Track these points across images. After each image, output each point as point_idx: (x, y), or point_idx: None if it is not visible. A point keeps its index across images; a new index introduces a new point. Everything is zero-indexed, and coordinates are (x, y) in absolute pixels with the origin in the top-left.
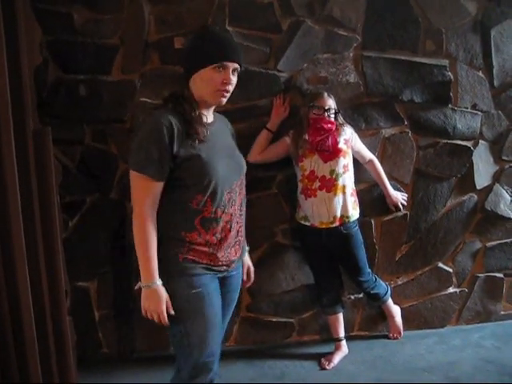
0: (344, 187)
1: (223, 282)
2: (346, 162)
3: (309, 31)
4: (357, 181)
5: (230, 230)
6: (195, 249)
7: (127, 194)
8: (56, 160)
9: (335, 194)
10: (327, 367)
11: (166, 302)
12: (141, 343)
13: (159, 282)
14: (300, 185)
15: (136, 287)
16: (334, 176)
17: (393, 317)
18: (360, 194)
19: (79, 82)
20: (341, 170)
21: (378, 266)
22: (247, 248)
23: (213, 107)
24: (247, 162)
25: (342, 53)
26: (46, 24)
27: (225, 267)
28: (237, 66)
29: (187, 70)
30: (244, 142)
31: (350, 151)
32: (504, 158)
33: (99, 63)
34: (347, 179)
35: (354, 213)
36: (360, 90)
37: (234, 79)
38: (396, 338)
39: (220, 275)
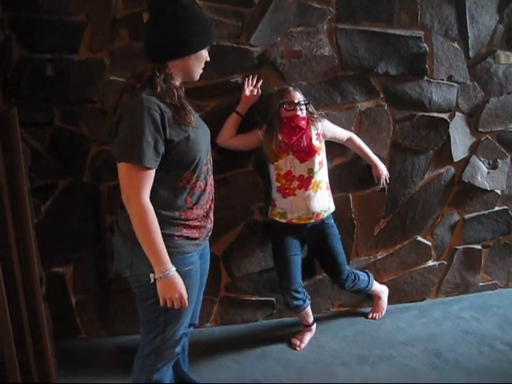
0: (320, 182)
1: (200, 255)
2: (320, 159)
3: (281, 4)
4: (333, 156)
5: (212, 200)
6: (189, 225)
7: (100, 176)
8: (24, 143)
9: (314, 191)
10: (298, 348)
11: (183, 286)
12: (118, 326)
13: (174, 269)
14: (276, 184)
15: (151, 280)
16: (311, 174)
17: (379, 298)
18: (337, 170)
19: (46, 62)
20: (317, 168)
21: (357, 242)
22: None
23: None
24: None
25: (316, 26)
26: (7, 0)
27: (206, 238)
28: None
29: (178, 51)
30: (217, 119)
31: (323, 145)
32: (480, 129)
33: (66, 41)
34: (322, 174)
35: (331, 206)
36: (335, 64)
37: None
38: (375, 319)
39: (201, 249)
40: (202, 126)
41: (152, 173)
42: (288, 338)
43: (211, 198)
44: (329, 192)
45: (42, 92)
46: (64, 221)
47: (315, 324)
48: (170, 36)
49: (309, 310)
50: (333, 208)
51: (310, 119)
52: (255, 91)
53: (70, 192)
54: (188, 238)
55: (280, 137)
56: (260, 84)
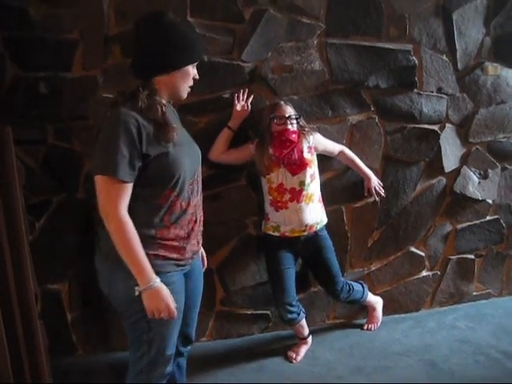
0: (312, 195)
1: (188, 275)
2: (312, 172)
3: (272, 20)
4: (325, 169)
5: (195, 222)
6: (165, 244)
7: (94, 192)
8: (18, 160)
9: (306, 204)
10: (294, 361)
11: (169, 296)
12: (115, 343)
13: (158, 280)
14: (268, 197)
15: (136, 293)
16: (302, 186)
17: (373, 309)
18: (329, 182)
19: (39, 80)
20: (308, 180)
21: (351, 254)
22: None
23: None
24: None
25: (306, 40)
26: (0, 18)
27: (190, 260)
28: None
29: (163, 67)
30: (209, 135)
31: (314, 158)
32: (471, 140)
33: (59, 59)
34: (314, 187)
35: (323, 218)
36: (325, 78)
37: None
38: (370, 330)
39: (185, 270)
40: (191, 145)
41: (128, 186)
42: (284, 351)
43: (195, 219)
44: (321, 204)
45: (35, 110)
46: (59, 237)
47: (311, 336)
48: (155, 52)
49: (304, 322)
50: (325, 220)
51: (302, 132)
52: (246, 106)
53: (64, 209)
54: (165, 258)
55: (271, 150)
56: (251, 99)
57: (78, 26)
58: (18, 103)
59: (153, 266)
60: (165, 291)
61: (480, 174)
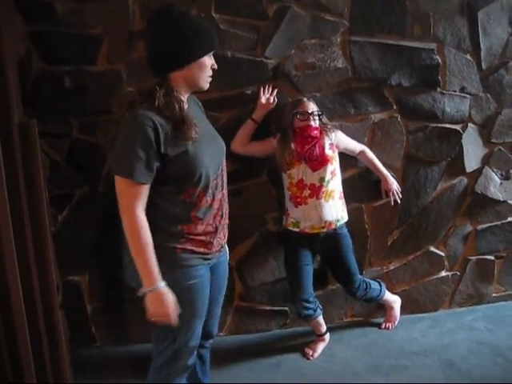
0: (332, 192)
1: (213, 270)
2: (333, 168)
3: (295, 17)
4: (347, 167)
5: (221, 216)
6: (193, 239)
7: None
8: (43, 153)
9: (326, 200)
10: (311, 357)
11: (173, 302)
12: (135, 335)
13: (163, 284)
14: (288, 192)
15: (139, 293)
16: (322, 183)
17: (391, 308)
18: (351, 180)
19: (64, 74)
20: (329, 177)
21: (371, 252)
22: None
23: (189, 93)
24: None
25: (330, 38)
26: (28, 14)
27: (217, 253)
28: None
29: (179, 61)
30: (231, 131)
31: (336, 154)
32: (493, 140)
33: (84, 53)
34: (335, 183)
35: (344, 215)
36: (348, 75)
37: None
38: (388, 329)
39: (212, 263)
40: (215, 139)
41: (145, 187)
42: (301, 348)
43: (221, 213)
44: (342, 202)
45: (60, 103)
46: (80, 230)
47: (328, 333)
48: (167, 47)
49: (321, 319)
50: (346, 218)
51: (324, 129)
52: (271, 99)
53: (86, 202)
54: (193, 252)
55: (293, 146)
56: (276, 93)
57: (102, 21)
58: (44, 97)
59: (180, 259)
60: (168, 297)
61: (502, 174)
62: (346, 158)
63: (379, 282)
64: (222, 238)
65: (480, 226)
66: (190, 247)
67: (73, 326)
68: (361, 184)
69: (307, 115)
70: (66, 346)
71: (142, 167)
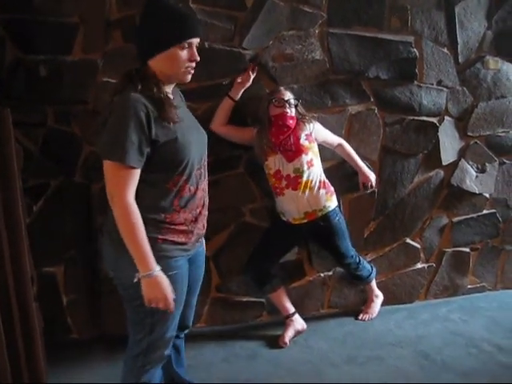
0: (309, 182)
1: (191, 260)
2: (309, 158)
3: (274, 8)
4: (324, 159)
5: (203, 205)
6: (174, 229)
7: (92, 176)
8: (17, 143)
9: (302, 191)
10: (283, 344)
11: (169, 287)
12: (110, 326)
13: (158, 269)
14: (270, 181)
15: (135, 279)
16: (298, 173)
17: (372, 300)
18: (327, 172)
19: (39, 62)
20: (305, 167)
21: None
22: None
23: (174, 84)
24: (209, 132)
25: (308, 29)
26: (2, 1)
27: (196, 244)
28: (199, 40)
29: (149, 50)
30: (208, 121)
31: (313, 145)
32: (469, 133)
33: (59, 43)
34: (313, 174)
35: (329, 203)
36: (326, 67)
37: (197, 55)
38: (363, 320)
39: (190, 255)
40: (198, 130)
41: (136, 172)
42: (277, 339)
43: (202, 203)
44: (325, 191)
45: (35, 93)
46: (56, 221)
47: (304, 323)
48: (144, 35)
49: (284, 294)
50: (333, 205)
51: (301, 120)
52: (248, 77)
53: (61, 192)
54: (173, 243)
55: (268, 136)
56: (254, 73)
57: (78, 10)
58: (18, 86)
59: (161, 250)
60: (164, 281)
61: (478, 167)
62: (323, 150)
63: (371, 265)
64: (201, 228)
65: (456, 219)
66: (170, 238)
67: (48, 318)
68: (337, 176)
69: (283, 102)
70: (40, 337)
71: (135, 151)
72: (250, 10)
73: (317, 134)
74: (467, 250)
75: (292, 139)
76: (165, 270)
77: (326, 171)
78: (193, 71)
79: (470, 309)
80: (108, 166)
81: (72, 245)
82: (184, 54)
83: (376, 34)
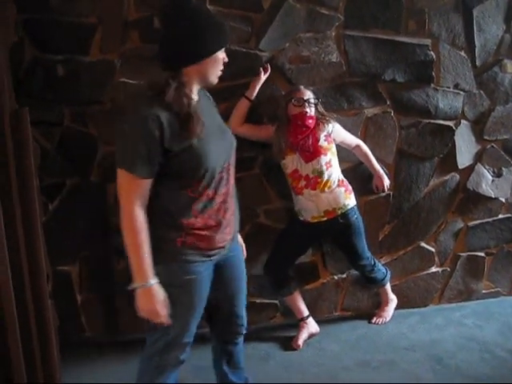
0: (328, 182)
1: (222, 263)
2: (328, 159)
3: (290, 10)
4: (340, 160)
5: (225, 211)
6: (194, 233)
7: (108, 176)
8: (35, 142)
9: (321, 191)
10: (296, 347)
11: (163, 300)
12: (124, 326)
13: (154, 281)
14: (288, 180)
15: (130, 288)
16: (317, 174)
17: (386, 304)
18: (344, 174)
19: (57, 62)
20: (323, 168)
21: None
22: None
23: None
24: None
25: (325, 32)
26: (21, 2)
27: (222, 249)
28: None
29: (195, 55)
30: (225, 122)
31: (332, 146)
32: (486, 137)
33: (77, 43)
34: (331, 174)
35: (348, 202)
36: (342, 70)
37: None
38: (377, 324)
39: (215, 259)
40: (223, 133)
41: (146, 182)
42: (291, 341)
43: (224, 207)
44: (344, 189)
45: (52, 92)
46: (71, 220)
47: (317, 326)
48: (183, 41)
49: (299, 296)
50: (352, 204)
51: (321, 120)
52: (262, 75)
53: (77, 191)
54: (194, 247)
55: (286, 135)
56: (269, 72)
57: (96, 10)
58: (36, 85)
59: (179, 253)
60: (159, 294)
61: (494, 171)
62: (338, 152)
63: (386, 268)
64: (228, 233)
65: (471, 223)
66: (190, 241)
67: (63, 316)
68: (353, 178)
69: (302, 101)
70: (55, 335)
71: (144, 162)
72: (267, 11)
73: (336, 134)
74: (482, 254)
75: (311, 140)
76: (183, 273)
77: (342, 173)
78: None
79: (484, 314)
80: (120, 173)
81: (87, 244)
82: (222, 57)
83: (393, 36)
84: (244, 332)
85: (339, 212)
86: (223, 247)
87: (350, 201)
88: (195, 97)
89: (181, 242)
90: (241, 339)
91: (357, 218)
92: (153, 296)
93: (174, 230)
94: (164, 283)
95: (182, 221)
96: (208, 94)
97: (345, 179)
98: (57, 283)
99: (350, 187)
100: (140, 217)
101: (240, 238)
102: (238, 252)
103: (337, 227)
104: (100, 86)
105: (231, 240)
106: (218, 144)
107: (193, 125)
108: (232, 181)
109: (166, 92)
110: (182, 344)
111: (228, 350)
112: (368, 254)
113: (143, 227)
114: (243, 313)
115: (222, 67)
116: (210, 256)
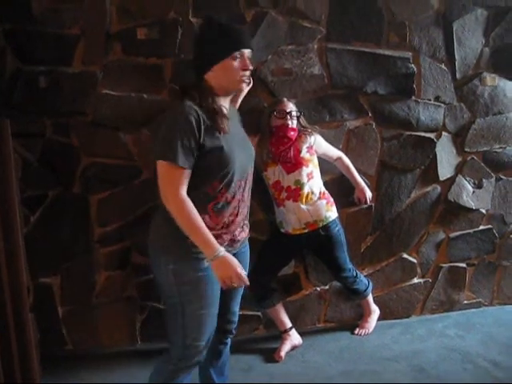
0: (310, 194)
1: None
2: (309, 171)
3: (273, 23)
4: (322, 172)
5: (237, 215)
6: None
7: (90, 188)
8: (16, 153)
9: (302, 203)
10: (278, 359)
11: (238, 264)
12: (106, 339)
13: (223, 249)
14: (270, 192)
15: (205, 265)
16: (298, 185)
17: (369, 315)
18: (325, 186)
19: (39, 73)
20: (305, 179)
21: None
22: None
23: (230, 97)
24: None
25: (306, 44)
26: (3, 12)
27: (228, 247)
28: (250, 51)
29: (206, 64)
30: None
31: (314, 157)
32: (466, 149)
33: (59, 54)
34: (313, 186)
35: (329, 214)
36: (324, 82)
37: (250, 64)
38: (359, 335)
39: None
40: (246, 146)
41: (187, 172)
42: (273, 353)
43: (237, 212)
44: (325, 201)
45: (34, 104)
46: (53, 232)
47: (300, 338)
48: (196, 51)
49: (282, 309)
50: (333, 216)
51: (303, 133)
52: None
53: (59, 203)
54: None
55: (268, 146)
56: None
57: (79, 21)
58: (18, 96)
59: (190, 250)
60: (232, 259)
61: (474, 183)
62: (321, 164)
63: (368, 279)
64: (237, 234)
65: (452, 234)
66: None
67: (44, 329)
68: (335, 190)
69: (285, 113)
70: (35, 348)
71: (185, 153)
72: (250, 24)
73: (317, 146)
74: (464, 265)
75: (292, 151)
76: (194, 269)
77: (324, 185)
78: (248, 80)
79: (466, 324)
80: (161, 166)
81: (69, 256)
82: (236, 64)
83: (374, 49)
84: (234, 332)
85: (320, 224)
86: (231, 246)
87: (332, 213)
88: (224, 103)
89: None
90: (229, 340)
91: (338, 231)
92: (228, 262)
93: None
94: (177, 283)
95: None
96: (234, 108)
97: (326, 191)
98: (38, 295)
99: (331, 199)
100: (188, 201)
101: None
102: (244, 251)
103: (318, 239)
104: (82, 98)
105: (240, 242)
106: (242, 153)
107: (219, 119)
108: (249, 188)
109: (193, 95)
110: (199, 347)
111: (217, 350)
112: (350, 265)
113: (194, 208)
114: (237, 309)
115: (242, 73)
116: None
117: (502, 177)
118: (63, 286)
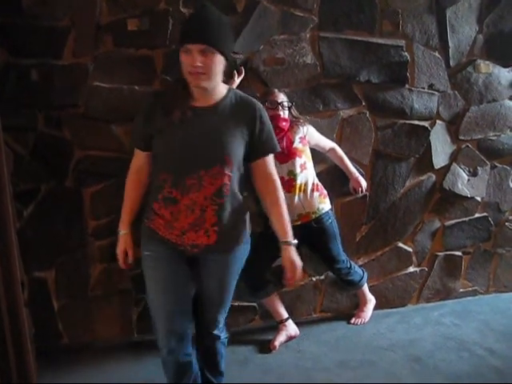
0: (303, 185)
1: (198, 263)
2: (302, 161)
3: (264, 12)
4: (316, 163)
5: (186, 216)
6: (155, 219)
7: (83, 181)
8: (7, 147)
9: (295, 194)
10: (272, 348)
11: (127, 249)
12: (101, 332)
13: (123, 231)
14: None
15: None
16: (291, 176)
17: (364, 305)
18: (318, 176)
19: (30, 66)
20: (298, 170)
21: None
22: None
23: (212, 90)
24: None
25: (299, 34)
26: None
27: (188, 247)
28: (203, 47)
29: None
30: None
31: (306, 148)
32: (461, 137)
33: (50, 46)
34: (306, 177)
35: (322, 206)
36: (317, 71)
37: (205, 60)
38: (356, 324)
39: (179, 250)
40: (207, 144)
41: (139, 152)
42: (269, 344)
43: (189, 211)
44: (319, 193)
45: (25, 97)
46: (46, 225)
47: (297, 328)
48: None
49: (277, 299)
50: (326, 208)
51: (295, 123)
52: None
53: (52, 197)
54: (155, 230)
55: None
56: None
57: (69, 14)
58: (8, 89)
59: (145, 230)
60: (123, 241)
61: (469, 171)
62: (315, 154)
63: (362, 270)
64: (196, 239)
65: (448, 222)
66: (152, 225)
67: (39, 323)
68: (329, 180)
69: (276, 104)
70: (30, 343)
71: (137, 135)
72: (241, 13)
73: (310, 137)
74: (459, 253)
75: (285, 142)
76: (143, 248)
77: (318, 175)
78: (203, 77)
79: (462, 312)
80: None
81: (63, 250)
82: (186, 59)
83: (367, 38)
84: (221, 336)
85: (313, 216)
86: (191, 248)
87: (325, 205)
88: (204, 100)
89: (148, 223)
90: (218, 344)
91: (331, 223)
92: (119, 242)
93: (148, 210)
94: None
95: (153, 203)
96: (248, 106)
97: (320, 183)
98: (33, 290)
99: (324, 191)
100: (130, 180)
101: (289, 254)
102: (216, 266)
103: (311, 231)
104: (73, 90)
105: (200, 248)
106: (198, 149)
107: (174, 108)
108: (214, 192)
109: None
110: (161, 333)
111: (209, 352)
112: (343, 257)
113: (130, 189)
114: (217, 316)
115: (189, 68)
116: (169, 242)
117: (497, 164)
118: (58, 279)
